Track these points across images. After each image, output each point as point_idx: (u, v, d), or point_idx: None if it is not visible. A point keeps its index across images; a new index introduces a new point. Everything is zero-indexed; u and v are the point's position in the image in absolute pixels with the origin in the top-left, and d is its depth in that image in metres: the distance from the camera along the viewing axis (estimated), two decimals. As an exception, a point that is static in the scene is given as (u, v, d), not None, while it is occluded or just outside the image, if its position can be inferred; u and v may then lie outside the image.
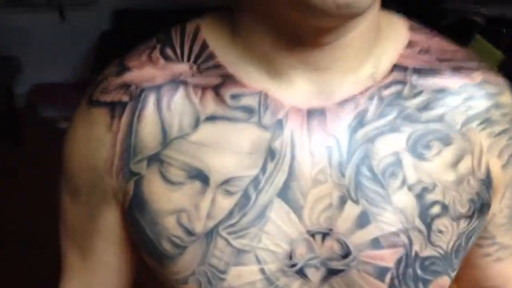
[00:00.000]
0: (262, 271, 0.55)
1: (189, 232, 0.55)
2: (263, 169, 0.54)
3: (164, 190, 0.55)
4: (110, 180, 0.57)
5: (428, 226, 0.55)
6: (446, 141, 0.56)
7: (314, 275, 0.56)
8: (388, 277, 0.55)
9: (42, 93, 3.62)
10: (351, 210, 0.54)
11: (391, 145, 0.55)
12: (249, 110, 0.54)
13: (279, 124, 0.54)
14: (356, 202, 0.54)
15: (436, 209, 0.56)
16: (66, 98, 3.25)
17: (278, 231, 0.54)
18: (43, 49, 3.62)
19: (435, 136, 0.55)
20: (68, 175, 0.60)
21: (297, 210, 0.54)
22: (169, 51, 0.57)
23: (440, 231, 0.56)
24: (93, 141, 0.57)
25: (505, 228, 0.63)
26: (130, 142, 0.55)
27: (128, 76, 0.56)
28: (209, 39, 0.57)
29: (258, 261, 0.54)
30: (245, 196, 0.54)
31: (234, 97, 0.54)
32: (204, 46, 0.56)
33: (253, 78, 0.55)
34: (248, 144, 0.54)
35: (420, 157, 0.55)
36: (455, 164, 0.56)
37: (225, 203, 0.54)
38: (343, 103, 0.54)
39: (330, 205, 0.54)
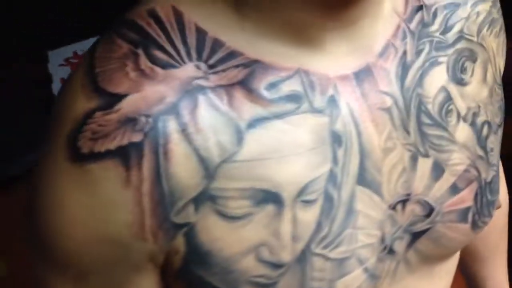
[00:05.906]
0: (366, 270, 0.48)
1: (276, 265, 0.44)
2: (334, 159, 0.44)
3: (230, 231, 0.43)
4: (143, 245, 0.43)
5: (485, 150, 0.53)
6: (473, 58, 0.52)
7: (399, 246, 0.50)
8: (470, 216, 0.52)
9: None
10: (424, 166, 0.49)
11: (436, 81, 0.49)
12: (295, 97, 0.43)
13: (332, 101, 0.44)
14: (426, 155, 0.49)
15: (485, 130, 0.53)
16: None
17: (369, 221, 0.47)
18: None
19: (464, 56, 0.51)
20: (64, 258, 0.43)
21: (377, 189, 0.47)
22: (159, 54, 0.42)
23: (492, 149, 0.54)
24: (102, 206, 0.41)
25: None
26: (162, 190, 0.41)
27: (127, 105, 0.40)
28: (203, 22, 0.43)
29: (361, 261, 0.47)
30: (327, 199, 0.44)
31: (271, 86, 0.43)
32: (201, 33, 0.43)
33: (283, 55, 0.43)
34: (309, 138, 0.43)
35: (461, 83, 0.51)
36: (484, 78, 0.53)
37: (309, 216, 0.44)
38: (382, 52, 0.47)
39: (403, 169, 0.48)
